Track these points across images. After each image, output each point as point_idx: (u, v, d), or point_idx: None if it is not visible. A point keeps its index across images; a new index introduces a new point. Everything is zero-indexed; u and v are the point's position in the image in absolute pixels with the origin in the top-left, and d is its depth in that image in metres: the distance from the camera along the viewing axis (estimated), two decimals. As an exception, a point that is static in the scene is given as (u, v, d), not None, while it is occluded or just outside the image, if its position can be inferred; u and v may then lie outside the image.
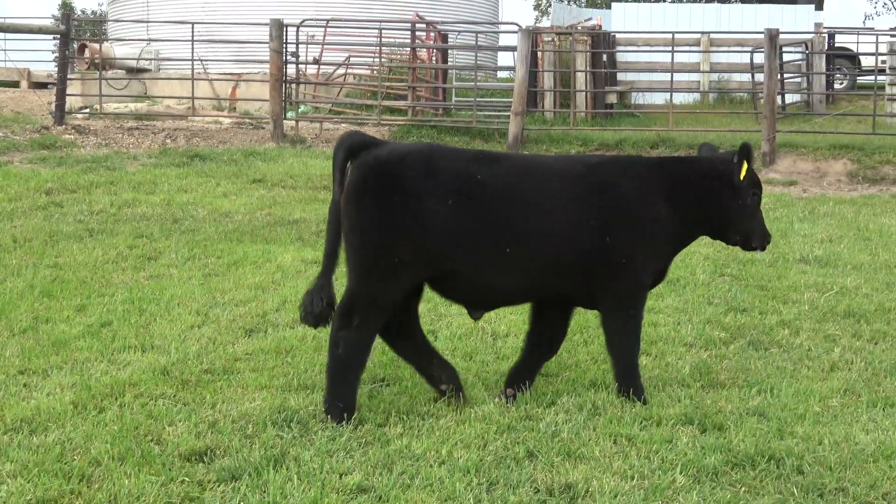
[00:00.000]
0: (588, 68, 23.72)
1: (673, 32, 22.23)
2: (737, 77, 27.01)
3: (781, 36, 20.97)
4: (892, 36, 26.61)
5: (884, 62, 25.80)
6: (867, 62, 29.80)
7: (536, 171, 6.32)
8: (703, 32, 25.79)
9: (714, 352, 7.66)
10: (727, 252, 10.84)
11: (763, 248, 6.73)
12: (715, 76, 27.03)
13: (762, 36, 20.29)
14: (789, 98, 26.79)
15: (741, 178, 6.49)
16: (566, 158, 7.09)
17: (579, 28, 25.82)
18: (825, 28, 28.74)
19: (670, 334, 8.03)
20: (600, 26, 26.38)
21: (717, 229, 6.69)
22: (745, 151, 6.54)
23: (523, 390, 6.51)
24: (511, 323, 8.16)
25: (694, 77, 26.69)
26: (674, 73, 21.96)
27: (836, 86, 29.69)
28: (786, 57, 26.19)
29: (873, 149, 19.42)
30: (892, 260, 11.00)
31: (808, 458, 5.60)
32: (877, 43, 24.05)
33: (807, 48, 25.87)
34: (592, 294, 6.41)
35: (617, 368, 6.53)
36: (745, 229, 6.64)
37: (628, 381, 6.49)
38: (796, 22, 28.29)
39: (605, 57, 24.70)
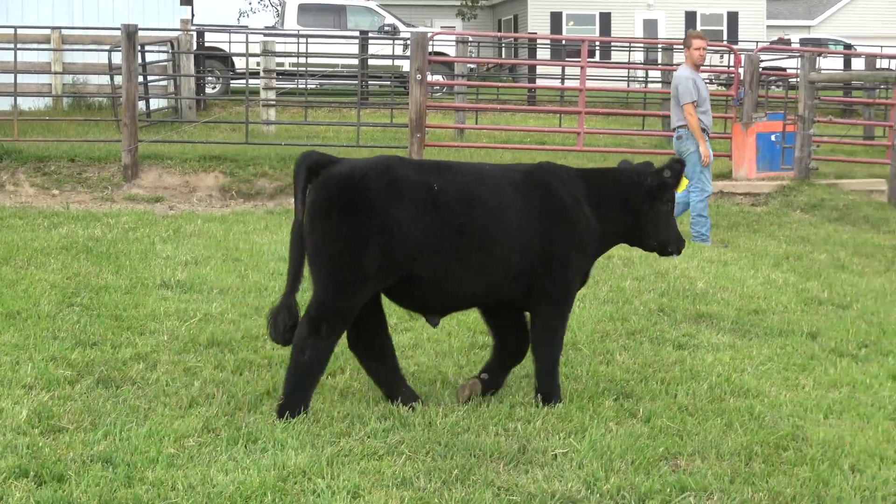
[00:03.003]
0: (-87, 67, 22.91)
1: (16, 27, 22.04)
2: (94, 80, 27.10)
3: (143, 33, 21.39)
4: (265, 35, 27.93)
5: (258, 64, 26.97)
6: (241, 64, 31.05)
7: (489, 179, 7.56)
8: (53, 28, 25.69)
9: (57, 392, 7.69)
10: (77, 280, 10.89)
11: (679, 253, 8.19)
12: (69, 78, 26.99)
13: (119, 33, 20.60)
14: (154, 103, 27.32)
15: (680, 191, 7.94)
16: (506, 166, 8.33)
17: None
18: (194, 25, 29.59)
19: (7, 375, 7.98)
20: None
21: (637, 237, 8.08)
22: (680, 167, 7.94)
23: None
24: None
25: (44, 79, 26.50)
26: (19, 75, 21.73)
27: (208, 90, 30.67)
28: (150, 57, 26.70)
29: (247, 160, 20.23)
30: (262, 282, 11.50)
31: (157, 506, 5.82)
32: (247, 43, 25.21)
33: (173, 47, 26.52)
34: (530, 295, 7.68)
35: (539, 369, 7.80)
36: (663, 236, 8.03)
37: (547, 382, 7.80)
38: (160, 18, 28.85)
39: (-66, 54, 23.94)
